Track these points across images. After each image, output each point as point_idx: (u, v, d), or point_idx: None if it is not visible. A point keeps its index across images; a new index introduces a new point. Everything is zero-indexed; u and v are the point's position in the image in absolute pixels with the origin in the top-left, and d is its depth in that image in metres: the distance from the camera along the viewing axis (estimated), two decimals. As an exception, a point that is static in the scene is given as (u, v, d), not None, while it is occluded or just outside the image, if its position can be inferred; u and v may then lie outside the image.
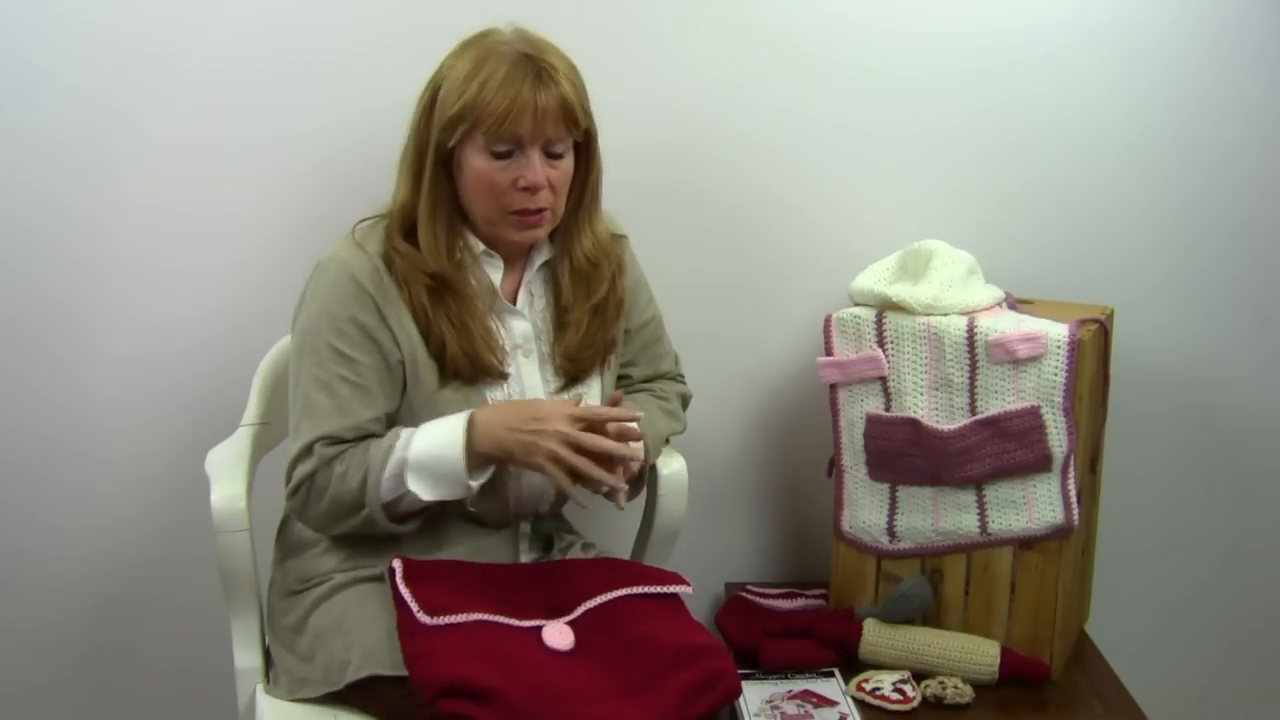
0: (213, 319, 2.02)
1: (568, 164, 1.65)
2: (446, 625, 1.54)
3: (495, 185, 1.61)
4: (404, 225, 1.65)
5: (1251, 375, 2.19)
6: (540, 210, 1.64)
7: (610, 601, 1.64)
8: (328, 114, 1.97)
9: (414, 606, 1.56)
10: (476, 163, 1.61)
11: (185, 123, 1.95)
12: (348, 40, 1.95)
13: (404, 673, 1.51)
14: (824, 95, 2.07)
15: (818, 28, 2.04)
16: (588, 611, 1.63)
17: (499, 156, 1.60)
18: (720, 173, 2.08)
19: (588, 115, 1.65)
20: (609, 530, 1.98)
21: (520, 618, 1.60)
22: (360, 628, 1.60)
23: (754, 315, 2.13)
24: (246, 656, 1.71)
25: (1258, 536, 2.25)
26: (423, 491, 1.59)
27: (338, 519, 1.63)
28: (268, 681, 1.70)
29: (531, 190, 1.61)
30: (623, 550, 1.88)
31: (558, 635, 1.58)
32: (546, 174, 1.62)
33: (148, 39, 1.92)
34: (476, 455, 1.59)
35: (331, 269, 1.64)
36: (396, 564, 1.62)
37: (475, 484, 1.60)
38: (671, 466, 1.84)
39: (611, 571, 1.70)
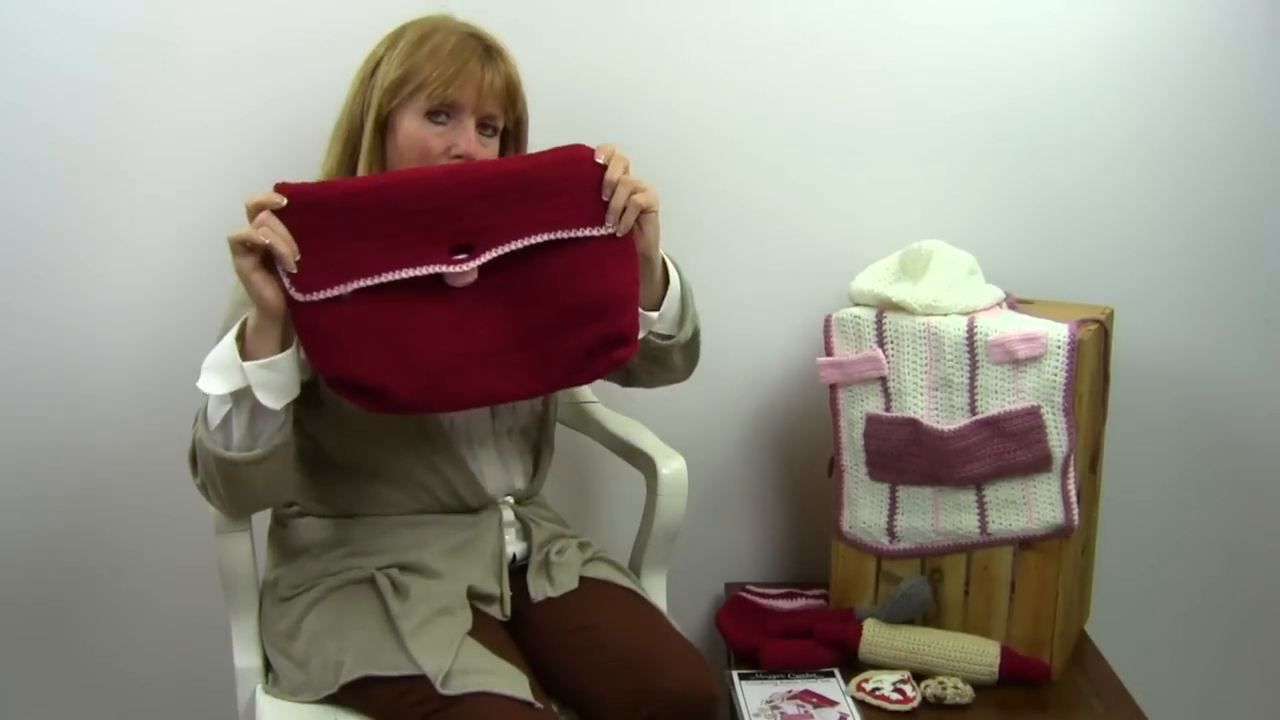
0: (214, 317, 2.01)
1: (495, 146, 1.67)
2: (327, 300, 1.44)
3: (428, 150, 1.62)
4: None
5: (1251, 375, 2.19)
6: None
7: (532, 247, 1.53)
8: (330, 105, 1.97)
9: (287, 283, 1.43)
10: (411, 126, 1.61)
11: (189, 118, 1.95)
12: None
13: (398, 673, 1.51)
14: (823, 95, 2.06)
15: (817, 28, 2.04)
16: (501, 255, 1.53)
17: (435, 122, 1.61)
18: (719, 173, 2.08)
19: (524, 101, 1.68)
20: (608, 530, 1.98)
21: (417, 262, 1.48)
22: (353, 629, 1.60)
23: (754, 315, 2.13)
24: (246, 657, 1.71)
25: (1258, 536, 2.25)
26: (209, 385, 1.48)
27: (210, 480, 1.54)
28: (267, 682, 1.71)
29: (463, 159, 1.62)
30: (622, 550, 1.88)
31: (458, 276, 1.51)
32: (478, 148, 1.63)
33: (144, 29, 1.92)
34: (249, 340, 1.47)
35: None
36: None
37: (250, 367, 1.47)
38: (671, 466, 1.83)
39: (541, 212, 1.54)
